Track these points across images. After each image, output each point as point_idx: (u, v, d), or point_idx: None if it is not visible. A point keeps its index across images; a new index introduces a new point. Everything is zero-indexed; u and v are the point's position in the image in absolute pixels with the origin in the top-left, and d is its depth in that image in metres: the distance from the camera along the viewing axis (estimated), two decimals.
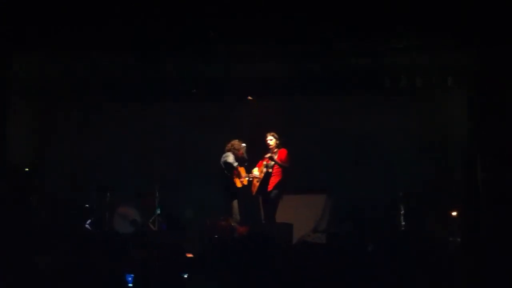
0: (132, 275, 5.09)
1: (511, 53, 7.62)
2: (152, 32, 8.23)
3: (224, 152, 8.80)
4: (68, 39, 8.36)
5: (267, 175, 8.71)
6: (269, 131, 8.83)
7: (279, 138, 8.77)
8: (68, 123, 9.98)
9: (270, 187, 8.71)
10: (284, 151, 8.73)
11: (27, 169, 8.74)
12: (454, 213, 8.55)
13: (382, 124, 9.65)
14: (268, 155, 8.69)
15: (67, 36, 8.23)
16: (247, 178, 8.84)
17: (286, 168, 8.70)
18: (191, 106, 10.04)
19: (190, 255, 6.64)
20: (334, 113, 9.89)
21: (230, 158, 8.71)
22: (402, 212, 8.85)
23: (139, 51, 8.88)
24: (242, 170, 8.84)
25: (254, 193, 8.87)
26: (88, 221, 9.16)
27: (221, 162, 8.75)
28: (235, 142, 8.79)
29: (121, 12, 7.64)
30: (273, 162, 8.68)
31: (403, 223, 8.82)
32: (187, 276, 5.41)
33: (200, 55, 9.10)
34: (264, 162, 8.76)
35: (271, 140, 8.75)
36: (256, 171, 8.85)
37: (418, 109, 9.71)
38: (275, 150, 8.73)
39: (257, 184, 8.80)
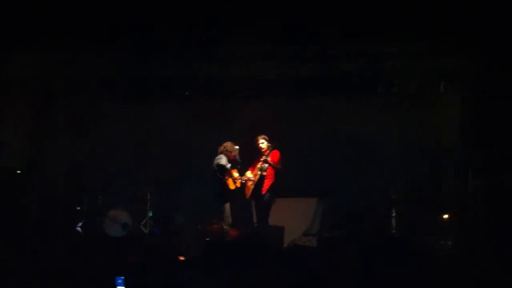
0: (122, 277, 5.08)
1: (506, 58, 7.66)
2: (149, 32, 8.23)
3: (217, 155, 8.80)
4: (66, 39, 8.36)
5: (261, 178, 8.72)
6: (261, 133, 8.84)
7: (270, 141, 8.79)
8: (63, 124, 9.94)
9: (264, 190, 8.72)
10: (276, 153, 8.75)
11: (19, 171, 8.70)
12: (448, 216, 8.57)
13: (376, 128, 9.66)
14: (263, 158, 8.69)
15: (65, 36, 8.23)
16: (240, 181, 8.84)
17: (279, 170, 8.72)
18: (184, 108, 10.02)
19: (182, 258, 6.64)
20: (329, 116, 9.90)
21: (223, 160, 8.70)
22: (395, 215, 8.86)
23: (135, 51, 8.88)
24: (234, 172, 8.83)
25: (248, 196, 8.87)
26: (80, 224, 9.13)
27: (213, 164, 8.74)
28: (228, 144, 8.79)
29: (119, 12, 7.63)
30: (266, 165, 8.68)
31: (396, 226, 8.83)
32: (179, 279, 5.40)
33: (196, 56, 9.11)
34: (258, 165, 8.76)
35: (263, 143, 8.76)
36: (249, 174, 8.85)
37: (413, 112, 9.71)
38: (267, 152, 8.74)
39: (252, 187, 8.80)
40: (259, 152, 8.80)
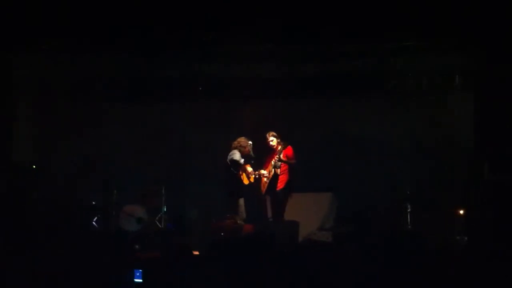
0: (140, 270, 5.12)
1: (506, 58, 7.60)
2: (153, 32, 8.25)
3: (230, 150, 8.80)
4: (66, 39, 8.40)
5: (276, 175, 8.72)
6: (269, 131, 8.82)
7: (279, 137, 8.77)
8: (76, 122, 10.01)
9: (279, 187, 8.72)
10: (289, 148, 8.73)
11: (34, 166, 8.77)
12: (457, 214, 8.54)
13: (387, 125, 9.67)
14: (277, 156, 8.67)
15: (65, 36, 8.27)
16: (253, 176, 8.84)
17: (293, 165, 8.70)
18: (195, 106, 10.07)
19: (196, 253, 6.66)
20: (338, 114, 9.92)
21: (236, 155, 8.70)
22: (408, 211, 8.83)
23: (135, 51, 8.90)
24: (248, 167, 8.84)
25: (263, 192, 8.87)
26: (95, 219, 9.20)
27: (227, 160, 8.75)
28: (242, 139, 8.79)
29: (119, 12, 7.64)
30: (280, 162, 8.67)
31: (409, 222, 8.80)
32: (194, 273, 5.42)
33: (196, 56, 9.13)
34: (272, 162, 8.75)
35: (272, 141, 8.76)
36: (263, 171, 8.84)
37: (414, 112, 9.71)
38: (279, 148, 8.70)
39: (267, 183, 8.80)
40: (269, 149, 8.80)
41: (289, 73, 9.48)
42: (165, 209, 9.45)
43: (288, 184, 8.69)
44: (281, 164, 8.69)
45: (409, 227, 8.74)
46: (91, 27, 7.94)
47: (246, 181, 8.81)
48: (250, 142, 8.83)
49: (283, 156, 8.68)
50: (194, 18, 7.80)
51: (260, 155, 8.91)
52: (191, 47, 8.67)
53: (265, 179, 8.81)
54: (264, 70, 9.46)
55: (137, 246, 6.63)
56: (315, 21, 7.81)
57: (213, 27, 8.06)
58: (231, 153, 8.76)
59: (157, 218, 9.42)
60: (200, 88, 9.82)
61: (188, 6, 7.57)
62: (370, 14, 7.60)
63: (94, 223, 9.15)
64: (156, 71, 9.55)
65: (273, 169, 8.73)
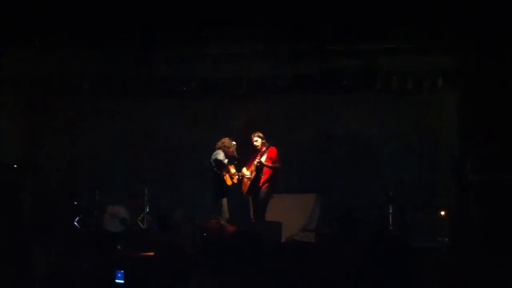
0: (122, 271, 5.10)
1: (502, 55, 7.68)
2: (146, 30, 8.24)
3: (214, 150, 8.81)
4: (62, 37, 8.36)
5: (258, 175, 8.72)
6: (257, 131, 8.81)
7: (265, 138, 8.77)
8: (59, 121, 9.96)
9: (260, 185, 8.71)
10: (273, 150, 8.73)
11: (15, 166, 8.69)
12: (444, 215, 8.59)
13: (373, 125, 9.69)
14: (257, 159, 8.66)
15: (61, 34, 8.24)
16: (237, 176, 8.85)
17: (277, 168, 8.70)
18: (181, 105, 10.04)
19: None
20: (325, 113, 9.92)
21: (220, 155, 8.72)
22: (391, 212, 8.88)
23: (131, 49, 8.88)
24: (232, 168, 8.85)
25: (245, 192, 8.87)
26: (77, 219, 9.12)
27: (211, 160, 8.76)
28: (226, 140, 8.81)
29: (114, 10, 7.63)
30: (263, 161, 8.67)
31: (392, 223, 8.85)
32: (176, 273, 5.41)
33: (192, 54, 9.13)
34: (255, 162, 8.76)
35: (257, 141, 8.76)
36: (245, 171, 8.84)
37: (409, 111, 9.75)
38: (263, 149, 8.71)
39: (248, 183, 8.80)
40: (254, 149, 8.81)
41: (284, 72, 9.48)
42: (147, 209, 9.41)
43: (269, 183, 8.67)
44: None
45: (393, 229, 8.78)
46: (82, 25, 7.93)
47: (229, 182, 8.82)
48: (234, 143, 8.84)
49: (266, 157, 8.68)
50: (189, 17, 7.82)
51: (246, 155, 8.91)
52: (186, 45, 8.67)
53: (246, 179, 8.82)
54: (259, 68, 9.47)
55: (119, 247, 6.62)
56: (311, 21, 7.86)
57: (208, 26, 8.07)
58: (215, 153, 8.78)
59: (140, 218, 9.38)
60: (185, 88, 9.80)
61: (183, 5, 7.57)
62: (366, 14, 7.65)
63: (76, 223, 9.08)
64: (151, 69, 9.53)
65: (255, 170, 8.73)
